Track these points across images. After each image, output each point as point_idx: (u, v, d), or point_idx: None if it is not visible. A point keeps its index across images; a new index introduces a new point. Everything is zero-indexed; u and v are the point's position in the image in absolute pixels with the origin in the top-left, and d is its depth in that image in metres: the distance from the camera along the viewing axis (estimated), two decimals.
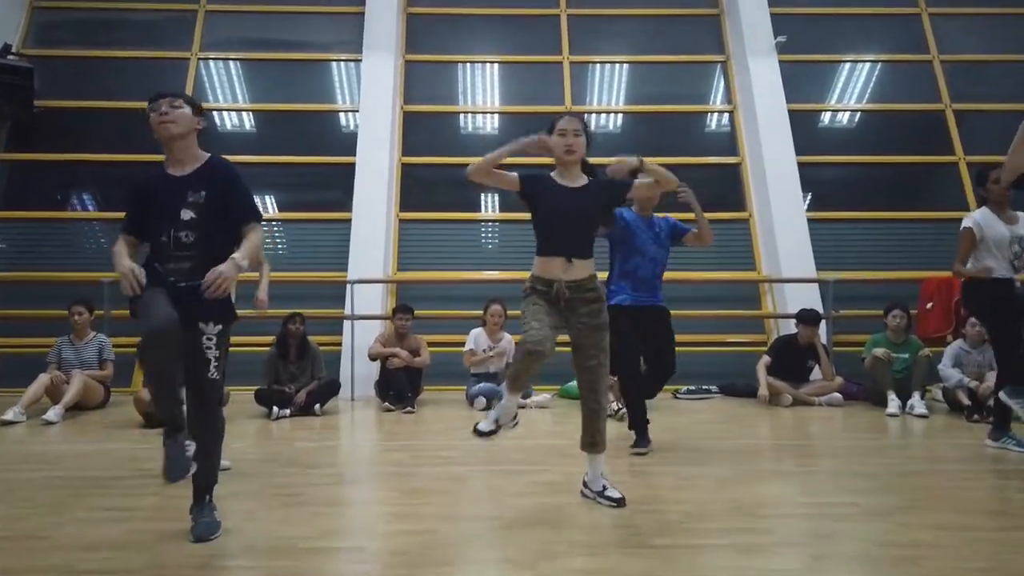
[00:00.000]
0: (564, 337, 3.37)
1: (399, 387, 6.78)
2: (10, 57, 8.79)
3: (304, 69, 9.74)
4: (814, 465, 4.46)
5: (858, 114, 9.80)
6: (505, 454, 4.52)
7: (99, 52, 9.56)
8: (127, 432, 5.51)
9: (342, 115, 9.58)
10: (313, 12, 9.88)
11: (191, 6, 9.84)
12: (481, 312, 7.22)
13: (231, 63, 9.73)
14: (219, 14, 9.89)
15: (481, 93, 9.82)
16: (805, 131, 9.29)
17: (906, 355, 6.78)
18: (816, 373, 7.19)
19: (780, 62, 9.44)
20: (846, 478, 3.97)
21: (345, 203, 8.73)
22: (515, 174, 3.38)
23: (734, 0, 9.79)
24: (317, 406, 6.43)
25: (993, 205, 4.77)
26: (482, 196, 9.17)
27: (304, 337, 6.67)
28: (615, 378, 4.92)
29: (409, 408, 6.59)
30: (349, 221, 8.59)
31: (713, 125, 9.81)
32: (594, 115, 9.63)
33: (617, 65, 9.97)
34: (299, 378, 6.57)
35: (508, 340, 7.12)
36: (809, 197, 9.06)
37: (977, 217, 4.76)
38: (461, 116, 9.77)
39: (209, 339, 2.86)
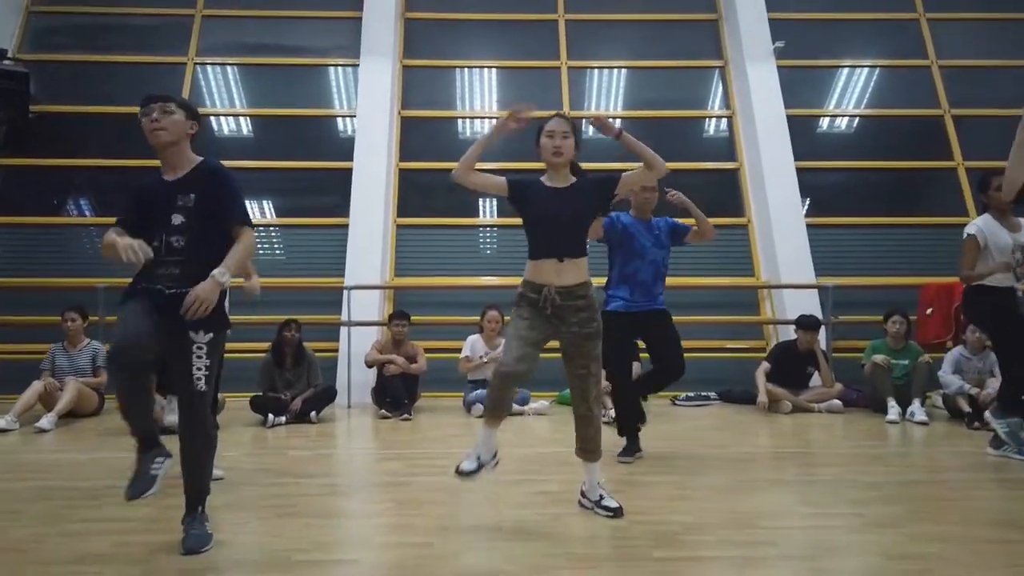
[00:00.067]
0: (558, 341, 3.32)
1: (396, 394, 6.73)
2: (6, 62, 8.74)
3: (301, 74, 9.70)
4: (814, 474, 4.42)
5: (857, 119, 9.77)
6: (502, 463, 4.41)
7: (95, 57, 9.51)
8: (121, 440, 5.41)
9: (339, 120, 9.55)
10: (310, 17, 9.84)
11: (188, 11, 9.81)
12: (478, 318, 7.17)
13: (228, 68, 9.70)
14: (216, 19, 9.84)
15: (479, 98, 9.79)
16: (804, 136, 9.26)
17: (906, 361, 6.74)
18: (815, 380, 7.14)
19: (778, 67, 9.41)
20: (847, 488, 3.92)
21: (342, 208, 8.68)
22: (503, 178, 3.35)
23: (732, 5, 9.77)
24: (313, 413, 6.37)
25: (995, 212, 4.72)
26: (480, 202, 9.13)
27: (300, 344, 6.63)
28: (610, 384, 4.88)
29: (406, 415, 6.53)
30: (346, 227, 8.54)
31: (711, 130, 9.78)
32: (589, 121, 9.57)
33: (615, 70, 9.94)
34: (295, 385, 6.52)
35: None
36: (808, 202, 9.03)
37: (980, 224, 4.71)
38: (459, 121, 9.74)
39: (199, 348, 2.80)
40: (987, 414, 4.66)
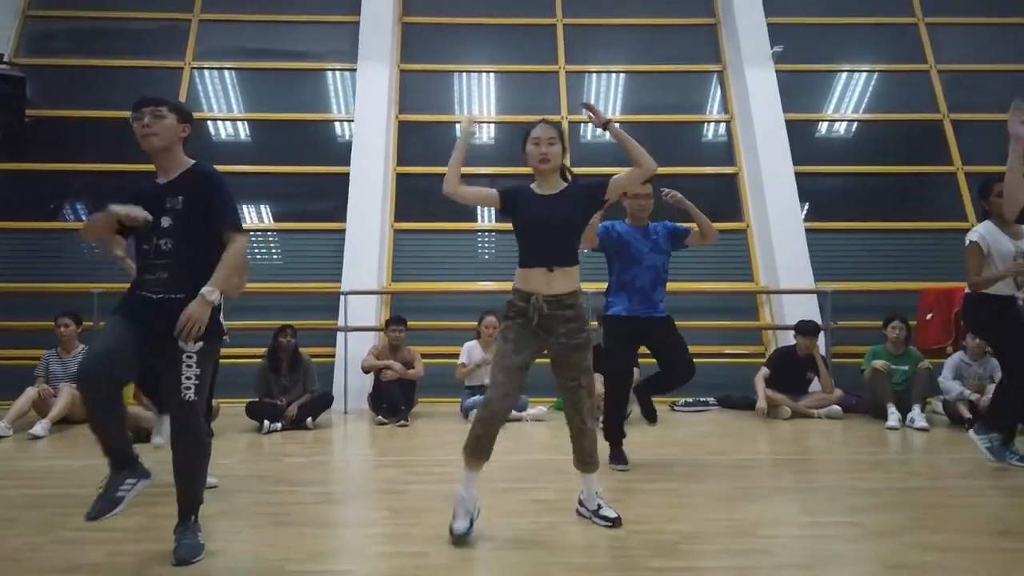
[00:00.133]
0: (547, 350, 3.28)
1: (393, 400, 6.70)
2: (2, 66, 8.72)
3: (298, 78, 9.68)
4: (814, 481, 4.38)
5: (855, 124, 9.76)
6: (499, 471, 4.40)
7: (92, 61, 9.49)
8: None
9: (337, 125, 9.52)
10: (307, 21, 9.83)
11: (185, 15, 9.79)
12: (476, 323, 7.14)
13: (225, 72, 9.67)
14: (213, 23, 9.82)
15: (477, 103, 9.76)
16: (802, 141, 9.24)
17: (906, 367, 6.71)
18: (815, 385, 7.12)
19: (777, 72, 9.40)
20: (847, 495, 3.89)
21: (339, 213, 8.65)
22: (494, 190, 3.31)
23: (730, 10, 9.76)
24: (309, 419, 6.34)
25: (996, 219, 4.67)
26: (477, 207, 9.10)
27: (296, 349, 6.59)
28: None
29: (403, 421, 6.49)
30: (343, 231, 8.51)
31: (710, 135, 9.76)
32: (590, 125, 9.57)
33: (613, 75, 9.93)
34: (291, 391, 6.48)
35: None
36: (807, 207, 9.01)
37: (982, 231, 4.64)
38: (457, 126, 9.63)
39: (189, 357, 2.76)
40: (971, 432, 4.64)
